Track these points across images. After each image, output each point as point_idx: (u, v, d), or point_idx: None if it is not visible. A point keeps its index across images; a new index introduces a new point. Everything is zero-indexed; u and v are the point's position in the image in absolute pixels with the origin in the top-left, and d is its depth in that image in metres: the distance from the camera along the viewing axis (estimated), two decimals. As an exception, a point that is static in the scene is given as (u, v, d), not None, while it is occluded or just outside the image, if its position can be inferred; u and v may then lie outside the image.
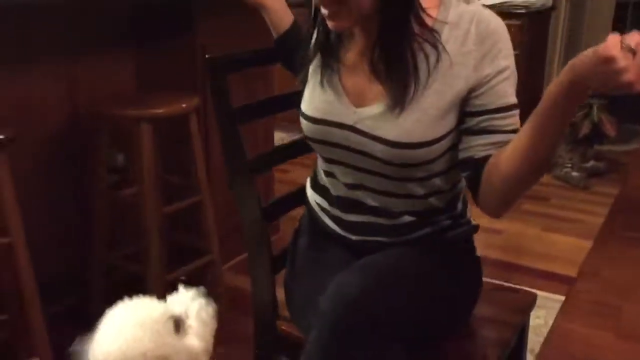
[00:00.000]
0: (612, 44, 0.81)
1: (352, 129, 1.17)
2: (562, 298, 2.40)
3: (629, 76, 0.80)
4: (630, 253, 1.02)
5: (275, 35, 1.43)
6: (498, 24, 1.11)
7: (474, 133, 1.11)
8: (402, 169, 1.14)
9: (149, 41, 2.39)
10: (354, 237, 1.24)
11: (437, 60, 1.10)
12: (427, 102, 1.10)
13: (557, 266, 2.72)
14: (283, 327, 1.34)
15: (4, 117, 1.96)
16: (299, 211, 1.47)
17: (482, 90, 1.09)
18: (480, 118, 1.10)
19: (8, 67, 1.99)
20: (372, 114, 1.14)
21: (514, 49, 1.14)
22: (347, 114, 1.17)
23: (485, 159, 1.08)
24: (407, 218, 1.21)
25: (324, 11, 1.11)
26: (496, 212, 1.13)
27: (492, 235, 2.94)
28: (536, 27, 3.89)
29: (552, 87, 0.92)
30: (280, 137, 3.54)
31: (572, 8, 4.52)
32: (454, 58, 1.10)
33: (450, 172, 1.17)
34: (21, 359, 1.75)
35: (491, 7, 3.79)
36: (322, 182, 1.31)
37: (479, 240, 1.33)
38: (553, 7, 4.22)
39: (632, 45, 0.80)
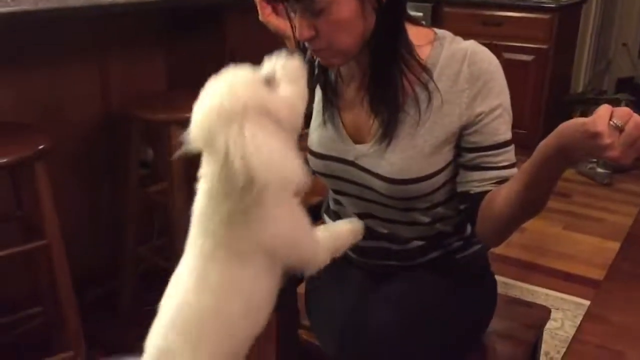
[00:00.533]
0: (600, 118, 0.81)
1: (353, 164, 1.19)
2: (580, 301, 2.46)
3: (614, 153, 0.81)
4: (638, 295, 1.05)
5: None
6: (491, 63, 1.11)
7: (469, 169, 1.12)
8: (404, 201, 1.17)
9: (179, 42, 2.44)
10: (367, 262, 1.28)
11: (429, 99, 1.11)
12: (420, 140, 1.12)
13: (577, 267, 2.72)
14: (304, 337, 1.39)
15: (39, 116, 2.03)
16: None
17: (474, 128, 1.10)
18: (474, 155, 1.11)
19: (41, 70, 2.05)
20: (369, 151, 1.16)
21: (543, 43, 1.13)
22: (348, 150, 1.19)
23: (481, 194, 1.09)
24: (417, 243, 1.23)
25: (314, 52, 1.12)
26: (491, 243, 1.19)
27: (514, 234, 2.93)
28: (566, 21, 3.83)
29: (542, 146, 0.92)
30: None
31: (603, 0, 4.44)
32: (446, 96, 1.10)
33: (453, 200, 1.19)
34: (54, 351, 1.82)
35: (520, 1, 3.78)
36: (334, 209, 1.34)
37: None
38: (584, 0, 4.15)
39: (620, 122, 0.80)
